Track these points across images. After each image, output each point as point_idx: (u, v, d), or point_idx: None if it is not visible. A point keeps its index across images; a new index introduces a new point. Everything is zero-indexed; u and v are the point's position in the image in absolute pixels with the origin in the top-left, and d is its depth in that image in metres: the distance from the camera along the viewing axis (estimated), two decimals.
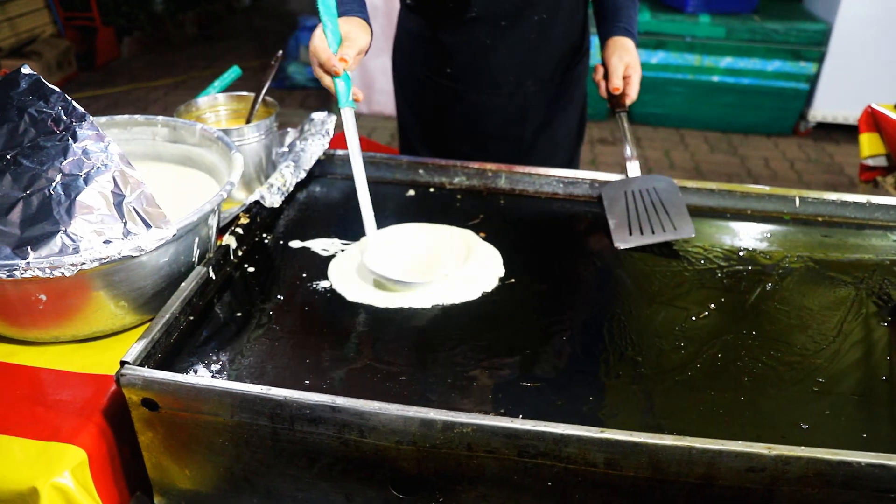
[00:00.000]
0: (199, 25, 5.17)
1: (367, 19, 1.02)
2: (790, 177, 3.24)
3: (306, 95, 3.96)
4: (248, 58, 4.49)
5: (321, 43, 0.93)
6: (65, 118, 0.86)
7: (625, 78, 1.16)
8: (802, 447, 0.64)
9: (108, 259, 0.76)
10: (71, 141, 0.84)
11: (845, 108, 3.55)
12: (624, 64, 1.16)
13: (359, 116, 3.77)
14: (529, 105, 1.31)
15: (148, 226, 0.79)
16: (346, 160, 1.21)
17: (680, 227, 1.05)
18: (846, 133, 3.61)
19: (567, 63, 1.31)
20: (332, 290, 0.92)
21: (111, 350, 0.85)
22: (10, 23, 3.91)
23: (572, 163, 1.45)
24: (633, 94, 1.17)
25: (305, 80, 4.06)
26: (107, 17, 4.47)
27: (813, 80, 3.50)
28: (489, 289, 0.93)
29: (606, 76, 1.19)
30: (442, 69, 1.29)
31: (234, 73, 1.36)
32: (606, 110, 3.68)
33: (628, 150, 1.15)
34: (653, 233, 1.04)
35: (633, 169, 1.15)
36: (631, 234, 1.05)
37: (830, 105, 3.57)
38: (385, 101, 3.75)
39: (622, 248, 1.03)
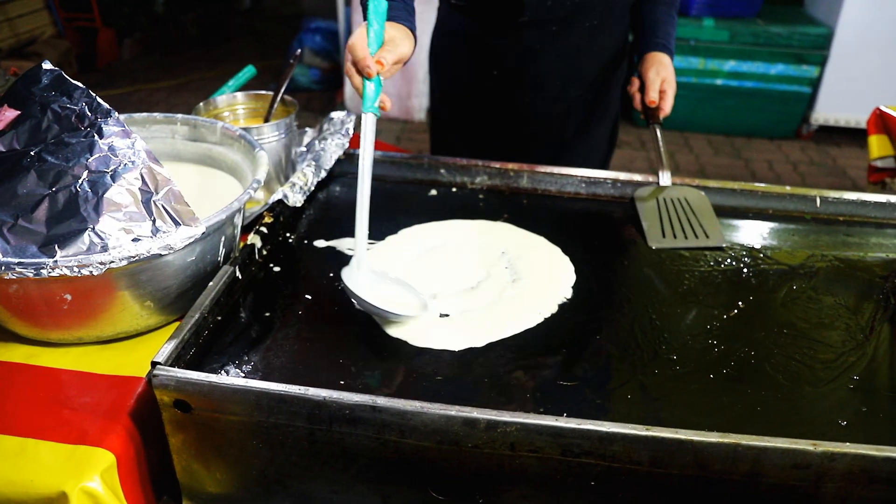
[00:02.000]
0: (200, 27, 5.16)
1: (413, 30, 0.96)
2: (794, 179, 3.25)
3: (310, 98, 3.94)
4: (251, 59, 4.46)
5: (360, 42, 0.87)
6: (89, 114, 0.85)
7: (660, 92, 1.19)
8: (848, 443, 0.63)
9: (137, 257, 0.74)
10: (97, 137, 0.83)
11: (847, 111, 3.56)
12: (661, 78, 1.19)
13: None
14: (572, 108, 1.32)
15: (177, 223, 0.78)
16: None
17: (712, 236, 1.07)
18: (848, 136, 3.62)
19: (610, 68, 1.32)
20: None
21: (135, 351, 0.84)
22: (9, 23, 3.89)
23: (605, 165, 1.47)
24: (667, 109, 1.20)
25: (309, 82, 4.06)
26: (107, 18, 4.45)
27: (815, 83, 3.52)
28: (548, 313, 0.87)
29: (642, 89, 1.21)
30: (488, 71, 1.29)
31: (248, 72, 1.35)
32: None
33: (662, 161, 1.18)
34: (685, 238, 1.06)
35: (665, 178, 1.17)
36: (664, 236, 1.06)
37: (833, 108, 3.58)
38: (391, 102, 3.74)
39: (656, 247, 1.05)
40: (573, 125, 1.35)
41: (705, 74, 3.54)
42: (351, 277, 0.85)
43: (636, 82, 1.24)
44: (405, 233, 1.04)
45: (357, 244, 0.86)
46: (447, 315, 0.87)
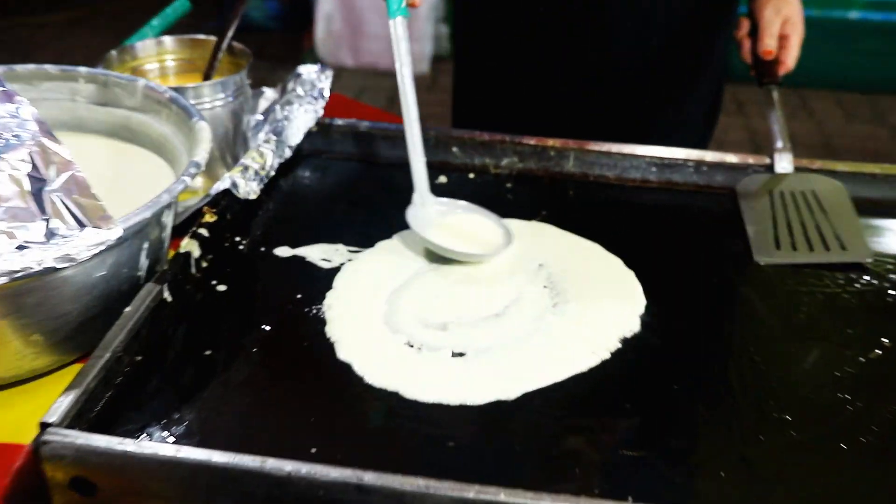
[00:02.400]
0: None
1: None
2: None
3: (266, 41, 3.96)
4: None
5: None
6: None
7: (781, 38, 1.19)
8: None
9: (23, 272, 0.75)
10: None
11: None
12: (782, 18, 1.19)
13: (343, 71, 3.80)
14: (653, 65, 1.33)
15: (81, 224, 0.79)
16: (346, 132, 1.23)
17: (851, 247, 1.06)
18: None
19: (708, 13, 1.32)
20: None
21: (16, 406, 0.85)
22: None
23: (703, 148, 1.46)
24: (789, 63, 1.20)
25: (265, 18, 4.09)
26: None
27: None
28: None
29: (754, 33, 1.21)
30: (531, 9, 1.29)
31: (181, 6, 1.37)
32: None
33: (779, 140, 1.17)
34: (811, 249, 1.06)
35: (784, 164, 1.17)
36: (779, 247, 1.06)
37: None
38: (379, 49, 3.77)
39: (765, 262, 1.05)
40: (653, 95, 1.35)
41: (833, 4, 3.54)
42: (416, 217, 1.02)
43: (746, 24, 1.24)
44: (403, 237, 1.05)
45: (415, 177, 1.04)
46: (462, 354, 0.87)
